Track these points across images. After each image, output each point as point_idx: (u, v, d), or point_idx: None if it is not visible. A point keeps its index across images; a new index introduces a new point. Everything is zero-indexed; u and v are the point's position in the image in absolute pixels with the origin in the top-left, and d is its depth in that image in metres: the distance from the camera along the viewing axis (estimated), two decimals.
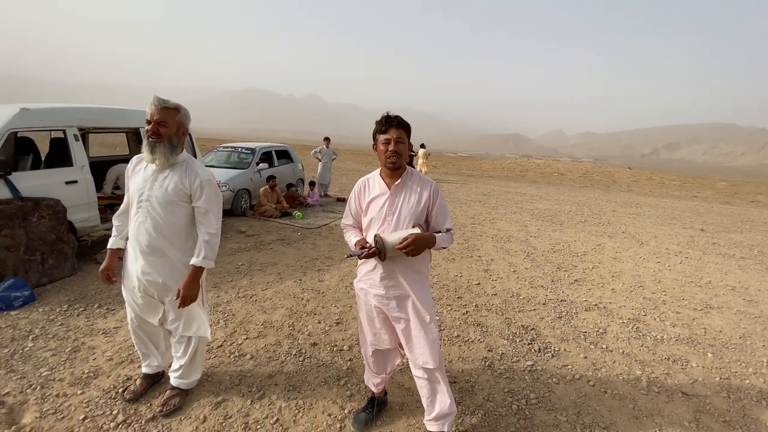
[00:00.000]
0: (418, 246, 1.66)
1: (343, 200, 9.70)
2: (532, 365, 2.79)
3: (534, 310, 3.75)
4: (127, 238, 2.01)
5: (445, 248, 1.88)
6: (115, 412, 2.12)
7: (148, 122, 1.80)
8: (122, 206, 2.04)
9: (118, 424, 2.04)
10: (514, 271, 4.87)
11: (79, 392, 2.29)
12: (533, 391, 2.50)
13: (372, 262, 1.88)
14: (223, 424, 2.08)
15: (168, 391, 2.14)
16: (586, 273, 4.95)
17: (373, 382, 2.14)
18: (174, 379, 2.13)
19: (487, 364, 2.77)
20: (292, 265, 4.64)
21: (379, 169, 1.93)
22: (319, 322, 3.23)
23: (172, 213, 1.87)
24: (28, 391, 2.28)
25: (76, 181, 4.19)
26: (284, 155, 9.48)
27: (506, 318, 3.53)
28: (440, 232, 1.81)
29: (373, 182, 1.90)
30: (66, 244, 3.94)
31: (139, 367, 2.38)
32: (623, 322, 3.58)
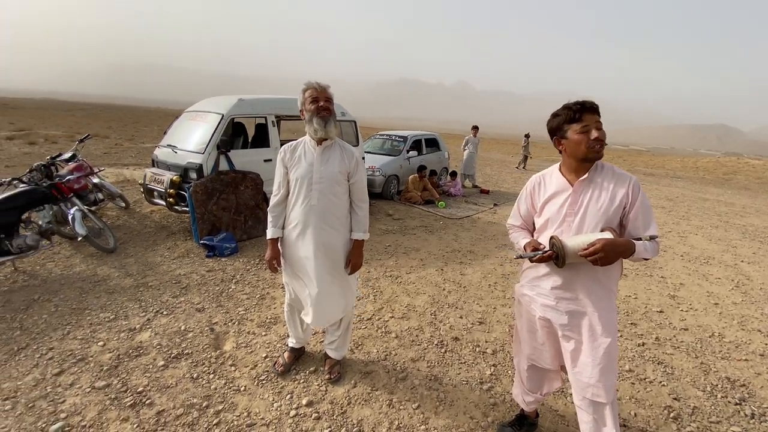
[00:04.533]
0: (609, 253, 1.37)
1: (486, 192, 9.28)
2: None
3: (746, 360, 2.83)
4: (283, 227, 2.11)
5: (647, 260, 1.52)
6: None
7: (316, 99, 1.90)
8: (278, 198, 2.07)
9: (290, 369, 2.39)
10: (716, 303, 3.77)
11: (263, 333, 2.80)
12: None
13: (542, 267, 1.66)
14: (370, 395, 2.22)
15: (328, 361, 2.39)
16: None
17: (524, 399, 1.93)
18: (331, 351, 2.35)
19: (671, 414, 2.21)
20: (434, 254, 4.67)
21: (557, 164, 1.67)
22: (461, 317, 3.15)
23: (337, 192, 2.01)
24: (229, 324, 2.89)
25: (270, 160, 5.10)
26: (433, 143, 9.58)
27: (702, 363, 2.76)
28: (641, 239, 1.46)
29: (550, 179, 1.66)
30: (261, 210, 4.86)
31: (285, 337, 2.69)
32: None
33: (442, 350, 2.68)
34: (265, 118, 5.14)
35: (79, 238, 3.69)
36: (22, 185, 3.52)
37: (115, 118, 26.81)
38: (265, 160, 5.02)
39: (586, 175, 1.54)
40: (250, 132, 5.80)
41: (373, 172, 7.44)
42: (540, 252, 1.53)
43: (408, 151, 8.36)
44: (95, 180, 4.91)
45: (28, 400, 2.03)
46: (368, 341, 2.74)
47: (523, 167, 15.36)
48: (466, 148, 10.01)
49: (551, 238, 1.52)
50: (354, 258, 2.10)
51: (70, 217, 3.69)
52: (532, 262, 1.60)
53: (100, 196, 4.88)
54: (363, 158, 6.82)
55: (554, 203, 1.60)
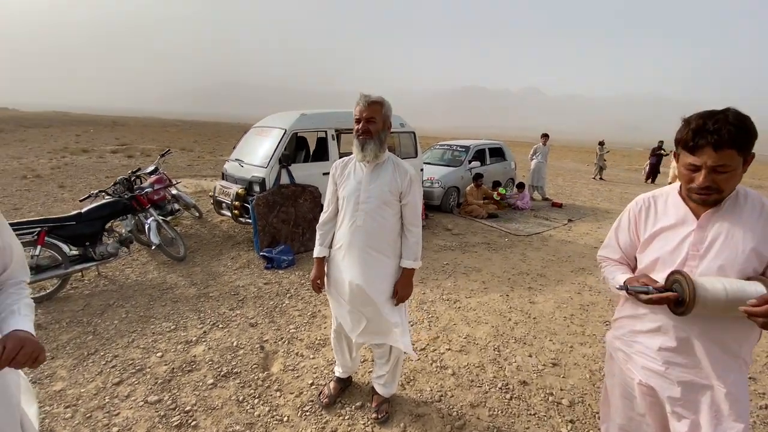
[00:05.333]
0: None
1: (559, 206, 8.49)
2: None
3: None
4: (331, 247, 1.97)
5: None
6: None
7: (357, 121, 1.77)
8: (327, 215, 1.96)
9: (335, 401, 2.22)
10: None
11: (311, 356, 2.67)
12: None
13: (646, 317, 1.29)
14: None
15: (375, 397, 2.17)
16: None
17: None
18: (379, 387, 2.14)
19: None
20: (498, 276, 4.25)
21: (675, 185, 1.29)
22: (530, 356, 2.74)
23: (386, 213, 1.82)
24: (279, 342, 2.82)
25: (329, 173, 5.10)
26: (497, 153, 9.07)
27: None
28: None
29: (665, 204, 1.27)
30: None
31: (332, 362, 2.50)
32: None
33: (507, 396, 2.32)
34: (326, 132, 5.18)
35: (153, 247, 3.95)
36: (107, 197, 3.87)
37: (201, 132, 29.80)
38: (324, 173, 5.01)
39: (718, 206, 1.15)
40: (312, 146, 5.90)
41: (432, 184, 7.18)
42: (655, 290, 1.13)
43: (470, 162, 7.96)
44: (174, 191, 5.30)
45: (87, 410, 2.09)
46: (421, 377, 2.47)
47: (600, 177, 14.00)
48: (534, 157, 9.33)
49: (675, 272, 1.14)
50: (400, 288, 1.86)
51: (146, 227, 3.98)
52: (641, 300, 1.19)
53: (177, 206, 5.25)
54: (422, 169, 6.59)
55: (668, 238, 1.22)
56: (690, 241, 1.17)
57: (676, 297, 1.11)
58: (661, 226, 1.24)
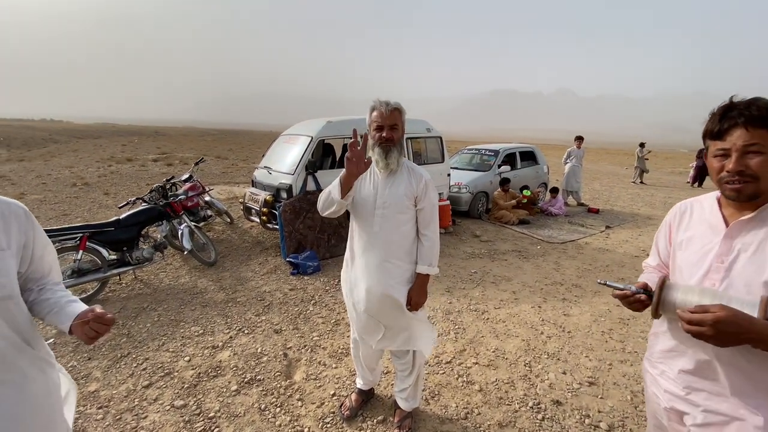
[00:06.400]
0: (720, 335, 0.89)
1: (595, 211, 8.08)
2: None
3: None
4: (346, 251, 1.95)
5: None
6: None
7: (380, 127, 1.71)
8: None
9: (356, 414, 2.16)
10: None
11: (333, 365, 2.63)
12: None
13: (667, 334, 1.17)
14: None
15: (398, 411, 2.10)
16: None
17: None
18: (401, 401, 2.07)
19: None
20: (529, 286, 4.06)
21: (716, 192, 1.16)
22: (564, 373, 2.56)
23: (402, 219, 1.79)
24: (302, 350, 2.80)
25: None
26: (529, 156, 8.77)
27: None
28: None
29: (701, 209, 1.15)
30: (344, 229, 4.86)
31: (355, 372, 2.43)
32: None
33: (539, 416, 2.17)
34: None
35: (185, 252, 4.08)
36: (143, 204, 4.04)
37: (235, 141, 31.01)
38: None
39: (751, 214, 1.00)
40: (339, 152, 5.93)
41: (459, 189, 7.03)
42: (625, 287, 1.14)
43: (500, 166, 7.74)
44: (207, 198, 5.49)
45: (117, 412, 2.16)
46: (446, 391, 2.37)
47: (640, 181, 13.26)
48: (568, 161, 8.95)
49: (661, 279, 1.06)
50: (414, 295, 1.81)
51: (180, 233, 4.12)
52: (613, 293, 1.19)
53: (209, 212, 5.43)
54: (448, 174, 6.46)
55: (696, 245, 1.10)
56: (715, 251, 1.04)
57: (639, 298, 1.11)
58: (690, 234, 1.13)
